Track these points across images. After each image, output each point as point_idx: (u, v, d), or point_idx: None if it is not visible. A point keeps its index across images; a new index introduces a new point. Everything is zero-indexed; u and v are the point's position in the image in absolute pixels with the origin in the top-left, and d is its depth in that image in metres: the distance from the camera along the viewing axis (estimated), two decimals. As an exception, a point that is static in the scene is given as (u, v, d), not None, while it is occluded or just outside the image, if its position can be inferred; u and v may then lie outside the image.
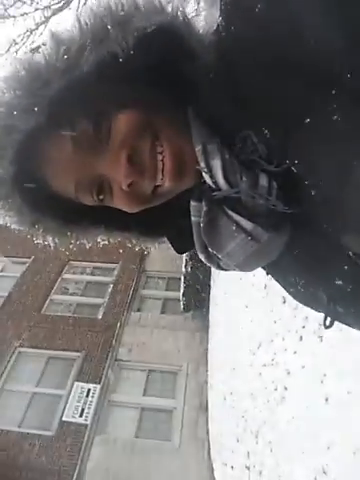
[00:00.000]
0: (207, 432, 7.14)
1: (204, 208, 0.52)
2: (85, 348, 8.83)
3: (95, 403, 7.89)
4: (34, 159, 0.51)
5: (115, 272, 10.72)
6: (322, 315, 0.60)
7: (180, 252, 0.67)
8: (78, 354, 8.74)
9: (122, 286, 10.27)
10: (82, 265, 11.04)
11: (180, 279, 9.34)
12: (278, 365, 4.08)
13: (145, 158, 0.51)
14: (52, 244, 0.61)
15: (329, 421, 2.82)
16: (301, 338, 3.63)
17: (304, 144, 0.44)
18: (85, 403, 7.89)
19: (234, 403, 5.46)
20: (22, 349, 9.02)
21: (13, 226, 0.56)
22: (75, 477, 7.04)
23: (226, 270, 0.60)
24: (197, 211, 0.54)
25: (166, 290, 10.50)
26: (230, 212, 0.51)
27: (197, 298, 9.11)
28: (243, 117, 0.48)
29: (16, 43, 11.24)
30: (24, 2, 10.63)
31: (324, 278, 0.56)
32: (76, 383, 8.23)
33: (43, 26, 11.32)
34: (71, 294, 10.50)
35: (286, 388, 3.84)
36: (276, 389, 4.03)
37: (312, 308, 0.64)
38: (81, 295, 10.45)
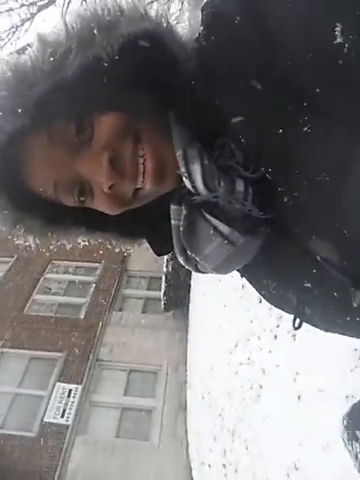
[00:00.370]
0: (186, 431, 7.18)
1: (184, 212, 0.54)
2: (67, 348, 8.78)
3: (76, 404, 7.87)
4: (18, 159, 0.51)
5: (97, 272, 10.67)
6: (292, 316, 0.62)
7: (159, 254, 0.68)
8: (60, 354, 8.69)
9: (104, 286, 10.24)
10: (64, 264, 10.96)
11: (161, 278, 9.32)
12: (254, 364, 4.12)
13: (126, 161, 0.51)
14: (33, 244, 0.61)
15: (301, 418, 2.87)
16: (276, 337, 3.68)
17: (277, 153, 0.46)
18: (66, 404, 7.86)
19: (212, 402, 5.49)
20: (4, 349, 8.93)
21: None
22: (56, 479, 7.00)
23: (203, 273, 0.61)
24: (177, 214, 0.55)
25: (147, 289, 10.49)
26: (208, 216, 0.52)
27: (178, 297, 9.11)
28: (221, 124, 0.49)
29: (1, 39, 11.10)
30: (9, -2, 10.50)
31: (294, 281, 0.57)
32: (58, 383, 8.20)
33: (28, 23, 11.19)
34: (53, 294, 10.41)
35: (261, 386, 3.88)
36: (252, 388, 4.07)
37: (283, 310, 0.66)
38: (63, 295, 10.38)
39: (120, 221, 0.61)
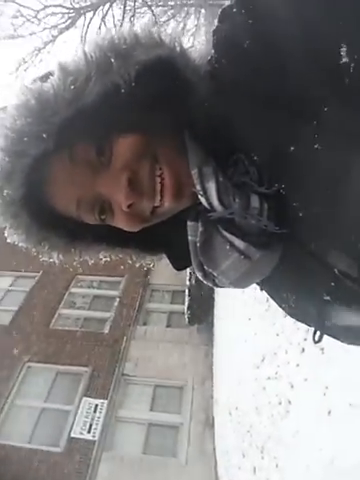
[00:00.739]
0: (213, 448, 7.03)
1: (200, 228, 0.56)
2: (92, 363, 8.81)
3: (103, 419, 7.84)
4: (41, 181, 0.54)
5: (121, 286, 10.73)
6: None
7: (178, 269, 0.70)
8: (86, 369, 8.72)
9: (128, 300, 10.27)
10: (89, 279, 11.08)
11: (184, 292, 9.29)
12: (281, 378, 4.03)
13: (144, 180, 0.53)
14: (57, 261, 0.63)
15: (332, 434, 2.78)
16: (303, 350, 3.60)
17: (290, 170, 0.48)
18: (93, 419, 7.84)
19: (240, 418, 5.37)
20: (31, 364, 9.04)
21: (21, 244, 0.59)
22: (83, 495, 6.97)
23: (222, 287, 0.62)
24: (193, 231, 0.57)
25: (171, 303, 10.45)
26: (224, 232, 0.54)
27: (202, 311, 9.01)
28: (235, 142, 0.51)
29: (25, 61, 11.58)
30: (32, 22, 10.98)
31: (313, 294, 0.57)
32: (84, 398, 8.21)
33: (50, 44, 11.65)
34: (78, 308, 10.52)
35: (290, 402, 3.78)
36: (280, 403, 3.97)
37: (304, 323, 0.66)
38: (88, 309, 10.47)
39: (139, 236, 0.63)
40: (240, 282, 0.57)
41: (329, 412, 2.90)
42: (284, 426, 3.83)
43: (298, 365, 3.66)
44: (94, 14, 11.22)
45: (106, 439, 7.66)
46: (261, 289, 0.68)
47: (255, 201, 0.51)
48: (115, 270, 10.17)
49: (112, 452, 7.54)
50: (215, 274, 0.57)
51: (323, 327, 0.60)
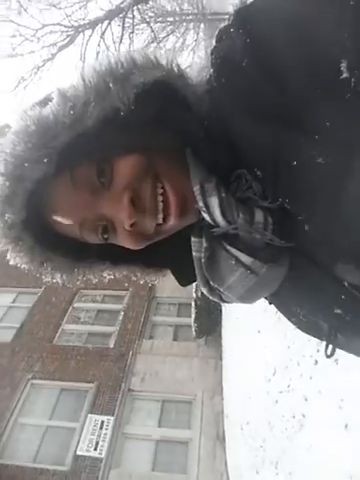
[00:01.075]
0: (225, 464, 6.90)
1: (204, 244, 0.55)
2: (98, 378, 8.69)
3: (109, 436, 7.71)
4: (43, 203, 0.55)
5: (125, 299, 10.66)
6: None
7: (183, 285, 0.70)
8: (91, 385, 8.61)
9: (133, 313, 10.17)
10: (92, 293, 11.01)
11: (191, 305, 9.22)
12: (294, 391, 3.98)
13: (146, 199, 0.54)
14: (60, 281, 0.64)
15: (350, 448, 2.73)
16: (316, 362, 3.56)
17: (293, 184, 0.47)
18: (99, 436, 7.72)
19: (252, 433, 5.28)
20: (35, 381, 8.92)
21: (23, 266, 0.59)
22: (91, 515, 6.83)
23: (228, 302, 0.61)
24: (198, 247, 0.57)
25: (177, 316, 10.36)
26: (229, 247, 0.53)
27: (209, 324, 8.94)
28: (236, 158, 0.52)
29: (24, 79, 11.72)
30: (31, 41, 11.14)
31: (323, 308, 0.57)
32: (89, 415, 8.09)
33: (50, 62, 11.81)
34: (82, 323, 10.42)
35: (304, 415, 3.73)
36: (294, 416, 3.91)
37: (314, 336, 0.66)
38: (92, 324, 10.38)
39: (143, 253, 0.63)
40: (247, 297, 0.57)
41: (346, 426, 2.85)
42: (299, 440, 3.76)
43: (311, 377, 3.62)
44: (93, 32, 11.38)
45: (113, 456, 7.53)
46: (270, 303, 0.68)
47: (259, 216, 0.51)
48: (119, 284, 10.11)
49: (120, 469, 7.41)
50: (221, 290, 0.57)
51: (335, 341, 0.60)
